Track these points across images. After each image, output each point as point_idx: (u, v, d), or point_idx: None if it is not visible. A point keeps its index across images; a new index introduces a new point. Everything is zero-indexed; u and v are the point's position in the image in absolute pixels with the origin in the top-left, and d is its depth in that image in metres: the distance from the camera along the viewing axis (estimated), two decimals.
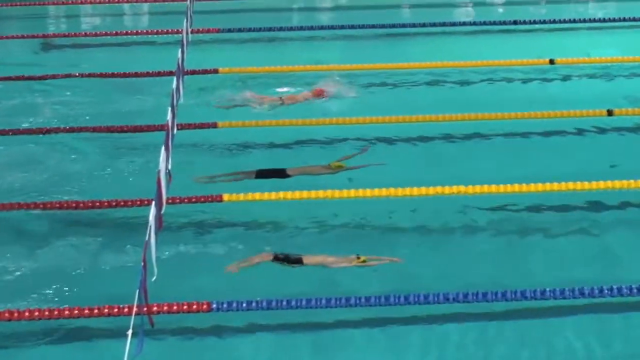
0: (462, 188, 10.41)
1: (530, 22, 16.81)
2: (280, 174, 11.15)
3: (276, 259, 9.41)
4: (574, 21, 16.91)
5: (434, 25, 16.75)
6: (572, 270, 9.24)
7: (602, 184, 10.45)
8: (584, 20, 17.09)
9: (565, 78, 14.33)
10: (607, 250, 9.65)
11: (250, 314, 8.45)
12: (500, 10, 18.73)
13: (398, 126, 12.45)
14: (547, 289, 8.41)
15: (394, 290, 8.53)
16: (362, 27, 16.58)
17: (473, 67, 14.54)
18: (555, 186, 10.42)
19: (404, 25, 16.84)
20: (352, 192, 10.43)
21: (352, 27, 16.63)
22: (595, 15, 17.67)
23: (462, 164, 11.45)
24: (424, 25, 16.72)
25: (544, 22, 16.85)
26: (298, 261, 9.41)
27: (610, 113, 12.56)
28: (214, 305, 8.39)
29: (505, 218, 10.29)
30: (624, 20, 17.01)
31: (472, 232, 10.04)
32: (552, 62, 14.58)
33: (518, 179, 10.50)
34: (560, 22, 16.81)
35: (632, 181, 10.50)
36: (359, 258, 9.42)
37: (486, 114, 12.62)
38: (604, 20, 17.18)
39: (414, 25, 16.76)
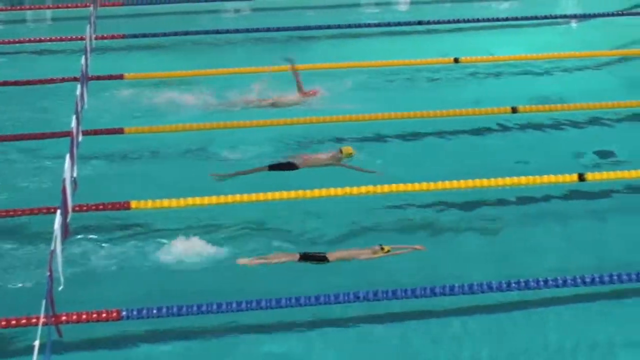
0: (370, 188, 10.47)
1: (434, 22, 17.00)
2: (290, 167, 11.16)
3: (302, 258, 9.35)
4: (478, 20, 17.13)
5: (339, 27, 16.85)
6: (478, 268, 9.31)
7: (508, 181, 10.60)
8: (488, 20, 17.29)
9: (470, 76, 14.49)
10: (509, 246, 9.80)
11: (161, 321, 8.33)
12: (405, 10, 18.88)
13: (293, 127, 12.45)
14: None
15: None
16: (269, 30, 16.63)
17: (378, 67, 14.63)
18: (462, 183, 10.50)
19: (308, 28, 16.88)
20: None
21: (258, 30, 16.65)
22: (498, 15, 17.91)
23: (367, 164, 11.41)
24: (329, 27, 16.84)
25: (448, 21, 17.06)
26: (323, 259, 9.36)
27: (514, 110, 12.76)
28: (124, 313, 8.24)
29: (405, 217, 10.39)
30: (527, 18, 17.32)
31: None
32: (456, 60, 14.75)
33: (424, 177, 10.55)
34: (464, 21, 17.04)
35: (537, 177, 10.66)
36: (382, 248, 9.39)
37: (392, 113, 12.69)
38: (507, 19, 17.44)
39: (319, 28, 16.85)
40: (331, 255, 9.40)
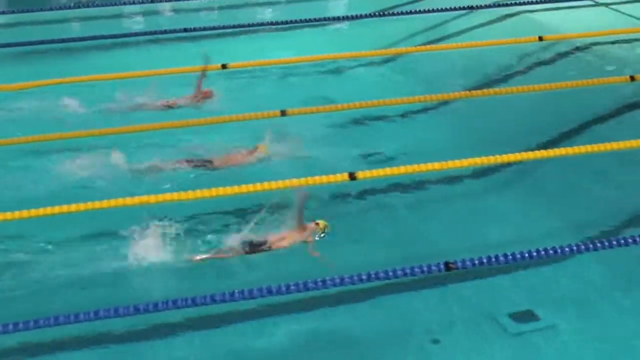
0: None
1: (201, 29, 16.76)
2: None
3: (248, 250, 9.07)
4: (248, 25, 17.02)
5: (109, 37, 16.42)
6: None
7: (281, 184, 10.39)
8: (258, 24, 17.23)
9: (238, 81, 14.30)
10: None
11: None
12: (170, 18, 18.58)
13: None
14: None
15: None
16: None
17: (133, 78, 14.18)
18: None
19: (73, 40, 16.33)
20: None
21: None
22: (268, 19, 17.88)
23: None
24: (99, 37, 16.38)
25: (215, 28, 16.86)
26: (263, 244, 9.08)
27: (283, 113, 12.66)
28: None
29: None
30: (294, 22, 17.34)
31: None
32: (224, 66, 14.54)
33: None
34: (232, 27, 16.88)
35: (309, 178, 10.52)
36: (317, 224, 9.20)
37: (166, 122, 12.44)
38: (278, 23, 17.41)
39: (83, 39, 16.31)
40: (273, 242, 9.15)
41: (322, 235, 9.48)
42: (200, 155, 11.35)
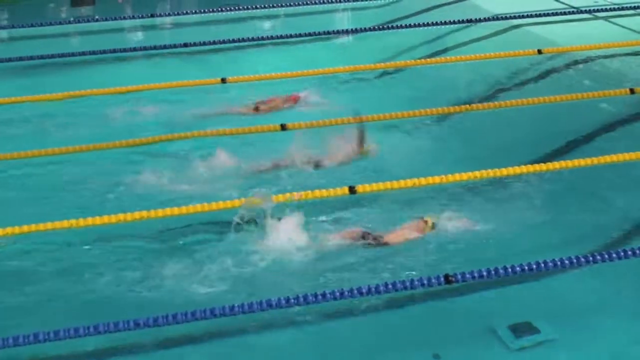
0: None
1: (200, 44, 16.79)
2: None
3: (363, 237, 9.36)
4: (244, 40, 17.02)
5: (102, 52, 16.47)
6: None
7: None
8: (254, 39, 17.23)
9: (237, 95, 14.27)
10: None
11: None
12: (170, 33, 18.62)
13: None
14: None
15: None
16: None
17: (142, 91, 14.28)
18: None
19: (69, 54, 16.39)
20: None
21: None
22: (263, 34, 17.90)
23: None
24: (94, 52, 16.41)
25: (214, 42, 16.88)
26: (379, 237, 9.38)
27: (283, 127, 12.69)
28: None
29: None
30: (292, 36, 17.43)
31: None
32: (223, 81, 14.56)
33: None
34: (229, 41, 16.90)
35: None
36: (426, 222, 9.40)
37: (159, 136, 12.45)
38: (272, 38, 17.47)
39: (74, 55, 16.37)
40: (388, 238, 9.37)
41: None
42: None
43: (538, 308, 8.71)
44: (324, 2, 19.96)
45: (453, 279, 8.75)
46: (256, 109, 13.48)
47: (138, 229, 10.04)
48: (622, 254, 9.14)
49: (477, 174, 10.95)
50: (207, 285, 8.89)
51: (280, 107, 13.55)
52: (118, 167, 11.60)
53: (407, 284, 8.69)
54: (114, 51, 16.45)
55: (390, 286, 8.64)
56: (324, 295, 8.47)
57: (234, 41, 16.93)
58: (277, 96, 13.78)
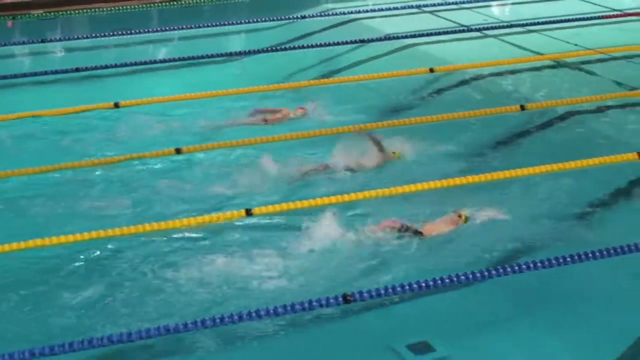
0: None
1: (93, 68, 16.57)
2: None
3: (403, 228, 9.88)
4: (137, 63, 16.85)
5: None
6: None
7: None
8: (147, 62, 17.07)
9: (131, 120, 14.11)
10: None
11: None
12: (62, 58, 18.34)
13: None
14: None
15: None
16: None
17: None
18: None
19: None
20: None
21: None
22: (155, 57, 17.77)
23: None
24: None
25: (106, 66, 16.68)
26: (419, 233, 9.94)
27: (178, 151, 12.61)
28: None
29: None
30: (183, 59, 17.32)
31: None
32: (116, 105, 14.37)
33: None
34: (124, 65, 16.71)
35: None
36: (460, 216, 10.00)
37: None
38: (165, 61, 17.42)
39: None
40: (426, 230, 9.97)
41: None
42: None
43: (435, 326, 8.79)
44: (217, 25, 19.95)
45: (351, 299, 8.76)
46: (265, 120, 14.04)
47: None
48: (516, 268, 9.29)
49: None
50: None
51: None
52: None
53: (306, 305, 8.66)
54: (4, 77, 16.09)
55: (289, 308, 8.60)
56: (213, 320, 8.39)
57: (126, 65, 16.72)
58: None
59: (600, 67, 16.88)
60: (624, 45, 17.90)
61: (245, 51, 18.15)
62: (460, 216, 10.14)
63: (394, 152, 12.33)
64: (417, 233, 10.04)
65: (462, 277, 9.10)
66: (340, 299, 8.73)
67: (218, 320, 8.39)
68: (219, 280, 9.42)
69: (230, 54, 17.97)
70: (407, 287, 8.94)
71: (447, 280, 9.04)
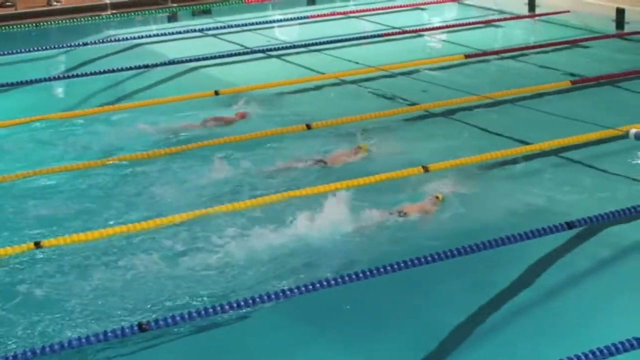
0: None
1: None
2: None
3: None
4: None
5: None
6: None
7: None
8: None
9: None
10: None
11: None
12: None
13: None
14: None
15: None
16: None
17: None
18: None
19: None
20: None
21: None
22: None
23: None
24: None
25: None
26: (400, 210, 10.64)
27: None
28: None
29: None
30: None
31: None
32: None
33: None
34: None
35: None
36: (438, 198, 10.71)
37: None
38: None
39: None
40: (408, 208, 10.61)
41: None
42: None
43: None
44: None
45: (147, 327, 8.63)
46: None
47: None
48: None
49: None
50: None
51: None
52: None
53: (101, 336, 8.48)
54: None
55: (84, 340, 8.39)
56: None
57: None
58: None
59: (382, 83, 17.43)
60: (403, 62, 18.55)
61: (25, 81, 17.66)
62: (437, 197, 10.83)
63: (360, 146, 13.25)
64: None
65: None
66: (136, 328, 8.60)
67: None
68: None
69: (12, 84, 17.49)
70: (203, 313, 8.87)
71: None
